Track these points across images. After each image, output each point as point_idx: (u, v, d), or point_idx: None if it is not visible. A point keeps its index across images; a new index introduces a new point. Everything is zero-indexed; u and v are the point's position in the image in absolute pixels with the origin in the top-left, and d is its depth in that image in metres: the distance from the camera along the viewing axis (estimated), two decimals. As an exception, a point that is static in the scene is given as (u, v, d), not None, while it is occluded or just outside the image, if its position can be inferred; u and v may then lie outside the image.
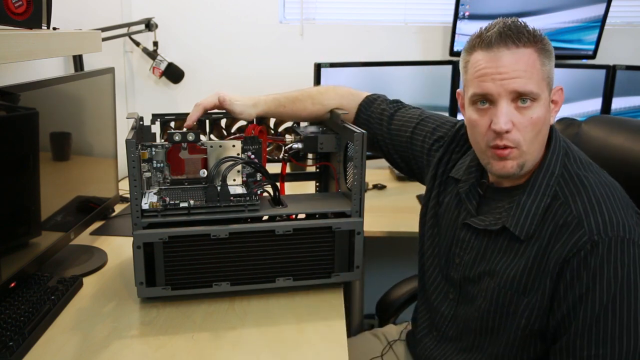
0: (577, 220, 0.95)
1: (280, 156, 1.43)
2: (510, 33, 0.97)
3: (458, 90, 1.13)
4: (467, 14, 2.18)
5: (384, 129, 1.35)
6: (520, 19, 1.01)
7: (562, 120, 1.38)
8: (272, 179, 1.31)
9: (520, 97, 0.97)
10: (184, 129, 1.27)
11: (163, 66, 2.22)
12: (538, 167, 1.03)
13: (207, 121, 1.40)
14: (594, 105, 2.15)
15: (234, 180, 1.33)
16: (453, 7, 2.17)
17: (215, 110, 1.39)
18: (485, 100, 1.00)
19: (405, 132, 1.32)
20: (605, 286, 0.90)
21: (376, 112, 1.37)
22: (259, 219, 1.23)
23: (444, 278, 1.19)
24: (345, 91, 1.40)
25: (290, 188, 1.48)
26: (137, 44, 2.19)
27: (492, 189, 1.10)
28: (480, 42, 1.00)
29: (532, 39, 0.98)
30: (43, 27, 1.17)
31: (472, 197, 1.13)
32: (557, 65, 2.37)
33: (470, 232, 1.11)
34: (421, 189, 1.43)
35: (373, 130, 1.36)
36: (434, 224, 1.23)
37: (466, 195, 1.13)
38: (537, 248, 0.99)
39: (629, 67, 2.12)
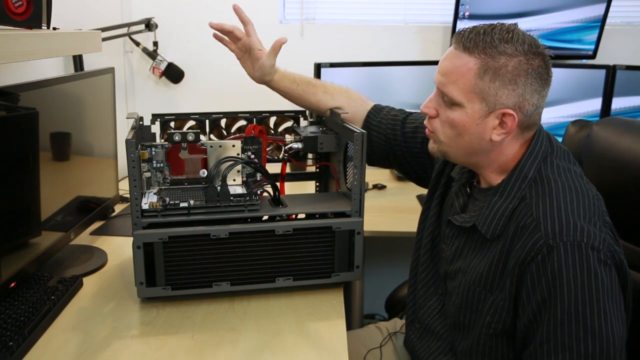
0: (535, 223, 0.95)
1: (280, 156, 1.43)
2: (464, 35, 1.00)
3: None
4: (467, 14, 2.18)
5: (397, 132, 1.35)
6: (516, 28, 0.99)
7: (577, 122, 1.39)
8: (272, 179, 1.31)
9: (443, 95, 1.03)
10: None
11: (163, 66, 2.22)
12: (512, 170, 1.04)
13: (207, 121, 1.40)
14: (594, 105, 2.15)
15: (234, 180, 1.33)
16: (453, 7, 2.17)
17: (215, 110, 1.40)
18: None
19: (421, 132, 1.31)
20: (566, 291, 0.90)
21: (387, 117, 1.38)
22: (259, 219, 1.23)
23: (435, 273, 1.21)
24: (357, 95, 1.42)
25: (290, 188, 1.48)
26: (137, 44, 2.19)
27: (477, 189, 1.12)
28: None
29: (482, 51, 0.97)
30: (43, 27, 1.17)
31: (460, 195, 1.15)
32: (557, 66, 2.37)
33: (453, 228, 1.14)
34: (421, 189, 1.43)
35: (386, 135, 1.36)
36: (437, 222, 1.24)
37: (455, 193, 1.16)
38: (500, 247, 1.00)
39: (629, 67, 2.12)
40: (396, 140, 1.36)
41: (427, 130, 1.10)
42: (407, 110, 1.41)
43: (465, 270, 1.07)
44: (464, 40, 0.99)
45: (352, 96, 1.41)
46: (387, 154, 1.39)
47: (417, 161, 1.35)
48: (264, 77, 1.32)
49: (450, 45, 1.04)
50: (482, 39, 0.97)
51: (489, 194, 1.06)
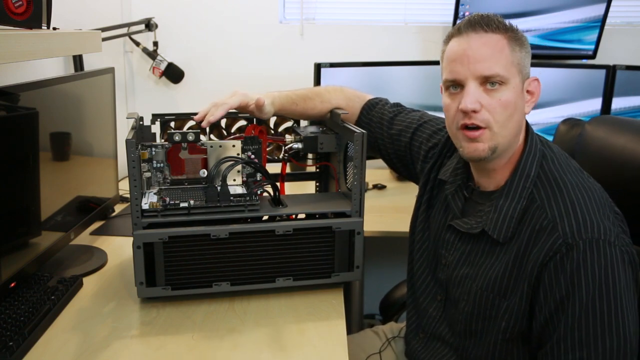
0: (552, 224, 0.95)
1: (280, 156, 1.43)
2: (479, 19, 1.02)
3: (440, 84, 1.10)
4: (467, 14, 2.18)
5: (384, 133, 1.35)
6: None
7: (568, 120, 1.38)
8: (272, 179, 1.31)
9: (488, 80, 1.00)
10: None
11: (163, 66, 2.22)
12: (514, 170, 1.04)
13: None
14: (594, 105, 2.15)
15: (234, 180, 1.33)
16: (453, 7, 2.17)
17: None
18: (456, 84, 1.03)
19: (405, 136, 1.32)
20: (584, 288, 0.90)
21: (377, 115, 1.38)
22: (259, 219, 1.23)
23: (432, 279, 1.20)
24: (352, 93, 1.41)
25: (290, 188, 1.48)
26: (137, 44, 2.19)
27: (477, 192, 1.11)
28: (454, 31, 1.05)
29: (501, 26, 1.01)
30: (43, 27, 1.17)
31: (457, 198, 1.14)
32: (557, 66, 2.37)
33: (455, 234, 1.12)
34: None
35: (374, 134, 1.37)
36: (425, 227, 1.23)
37: (452, 197, 1.15)
38: (515, 251, 1.00)
39: (629, 67, 2.12)
40: (383, 140, 1.36)
41: (475, 133, 1.01)
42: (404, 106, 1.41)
43: (473, 277, 1.06)
44: (482, 23, 1.01)
45: (348, 95, 1.40)
46: (374, 151, 1.40)
47: (401, 162, 1.36)
48: (270, 116, 1.30)
49: (455, 36, 1.04)
50: (492, 19, 1.02)
51: (493, 197, 1.05)
